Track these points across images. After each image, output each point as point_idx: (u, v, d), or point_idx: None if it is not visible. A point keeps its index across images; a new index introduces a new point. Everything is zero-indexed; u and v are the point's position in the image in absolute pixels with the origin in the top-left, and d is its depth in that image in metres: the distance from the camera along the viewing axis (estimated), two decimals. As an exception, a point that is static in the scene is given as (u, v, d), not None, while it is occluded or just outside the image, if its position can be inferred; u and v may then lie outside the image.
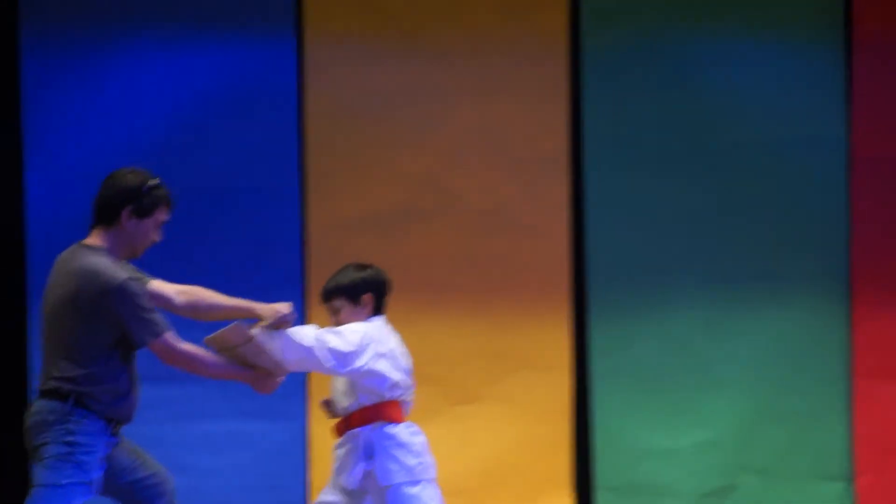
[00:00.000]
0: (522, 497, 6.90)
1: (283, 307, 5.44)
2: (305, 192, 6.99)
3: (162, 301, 5.46)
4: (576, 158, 7.08)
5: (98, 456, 5.32)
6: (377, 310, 5.79)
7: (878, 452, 7.04)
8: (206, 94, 6.99)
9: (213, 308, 5.50)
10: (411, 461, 5.64)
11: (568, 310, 7.01)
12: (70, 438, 5.27)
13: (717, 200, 7.07)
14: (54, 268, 5.41)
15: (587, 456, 6.99)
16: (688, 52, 7.12)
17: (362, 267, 5.81)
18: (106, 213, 5.40)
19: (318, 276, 6.14)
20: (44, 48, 6.89)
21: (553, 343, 6.98)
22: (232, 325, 5.40)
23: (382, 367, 5.62)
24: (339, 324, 5.74)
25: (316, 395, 6.67)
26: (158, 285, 5.48)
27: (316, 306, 6.65)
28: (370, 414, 5.64)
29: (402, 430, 5.67)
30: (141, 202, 5.39)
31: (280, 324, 5.41)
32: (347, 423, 5.70)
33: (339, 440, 5.73)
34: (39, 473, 5.29)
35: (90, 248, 5.40)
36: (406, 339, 5.85)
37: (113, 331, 5.34)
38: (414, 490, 5.63)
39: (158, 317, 5.30)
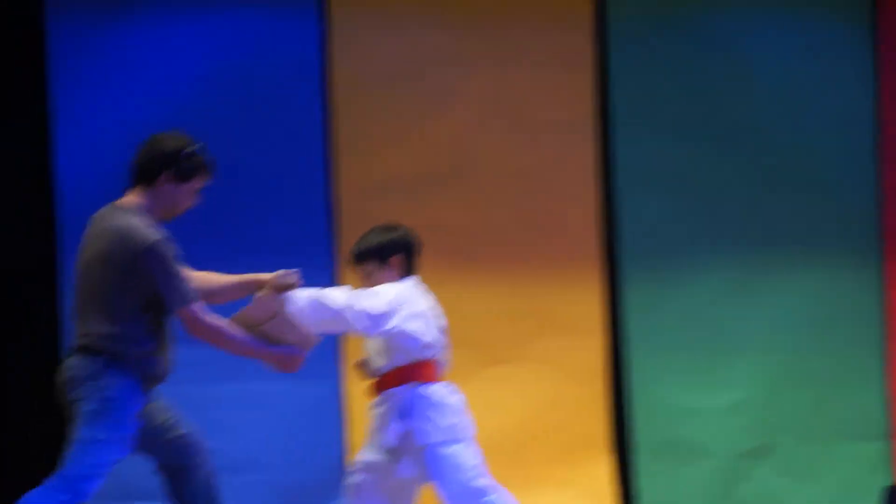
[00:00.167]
0: (560, 458, 6.91)
1: (288, 272, 5.42)
2: (333, 158, 6.98)
3: None
4: (603, 125, 7.05)
5: (131, 412, 5.35)
6: (407, 271, 5.78)
7: (914, 411, 7.04)
8: (232, 60, 7.01)
9: (223, 289, 5.51)
10: (448, 420, 5.63)
11: (599, 272, 7.01)
12: (103, 394, 5.30)
13: (745, 165, 7.07)
14: (89, 227, 5.42)
15: (623, 417, 6.98)
16: (715, 20, 7.10)
17: (390, 228, 5.79)
18: (144, 175, 5.41)
19: (348, 241, 6.15)
20: (71, 14, 6.92)
21: (585, 305, 6.99)
22: (257, 298, 5.40)
23: (415, 327, 5.62)
24: (369, 287, 5.74)
25: (351, 355, 6.67)
26: None
27: (346, 271, 6.65)
28: (405, 374, 5.64)
29: (437, 390, 5.67)
30: (181, 166, 5.39)
31: (284, 287, 5.39)
32: (383, 383, 5.70)
33: (376, 400, 5.74)
34: (75, 430, 5.32)
35: (125, 208, 5.41)
36: (438, 301, 5.84)
37: (145, 291, 5.35)
38: (452, 449, 5.63)
39: (189, 285, 5.30)
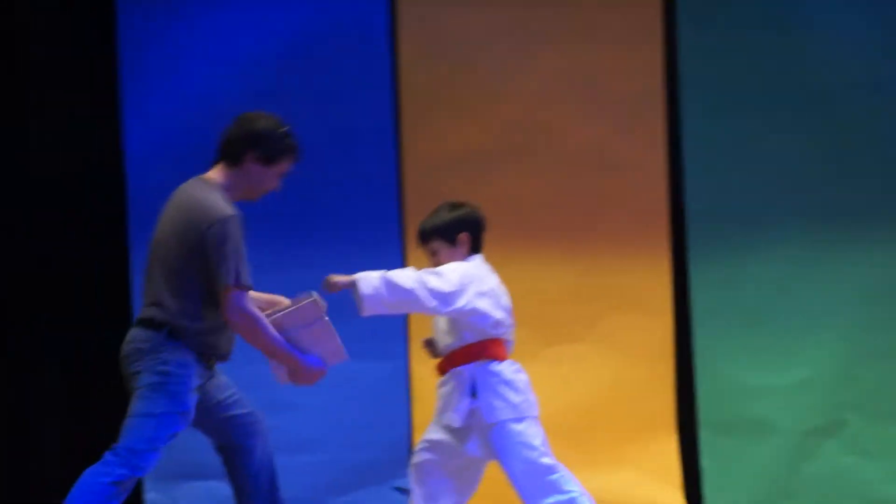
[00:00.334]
0: (625, 437, 6.90)
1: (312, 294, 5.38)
2: (400, 134, 6.98)
3: None
4: (671, 100, 7.02)
5: (190, 387, 5.36)
6: (474, 248, 5.78)
7: None
8: (299, 37, 7.01)
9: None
10: (516, 398, 5.64)
11: (667, 249, 6.97)
12: (163, 368, 5.31)
13: (816, 139, 7.00)
14: (170, 198, 5.45)
15: (686, 395, 6.96)
16: (784, -9, 7.04)
17: (457, 206, 5.79)
18: (230, 153, 5.41)
19: (415, 218, 6.15)
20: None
21: (653, 283, 6.96)
22: (307, 299, 5.38)
23: (484, 305, 5.62)
24: (436, 265, 5.74)
25: (416, 335, 6.68)
26: None
27: (414, 248, 6.65)
28: (473, 352, 5.64)
29: (505, 368, 5.67)
30: (268, 148, 5.39)
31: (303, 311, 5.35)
32: (450, 361, 5.70)
33: (443, 378, 5.74)
34: (134, 404, 5.35)
35: (208, 182, 5.42)
36: (503, 279, 5.84)
37: (209, 266, 5.38)
38: (519, 427, 5.63)
39: (245, 269, 5.30)
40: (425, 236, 5.76)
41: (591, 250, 6.96)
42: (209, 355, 5.43)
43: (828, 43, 7.01)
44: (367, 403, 6.87)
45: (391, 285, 5.47)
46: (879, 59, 7.00)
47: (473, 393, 5.62)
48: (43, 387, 7.06)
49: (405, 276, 5.52)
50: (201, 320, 5.37)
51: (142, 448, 5.30)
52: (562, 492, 5.61)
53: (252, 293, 5.35)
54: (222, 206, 5.36)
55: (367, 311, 5.50)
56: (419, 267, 5.76)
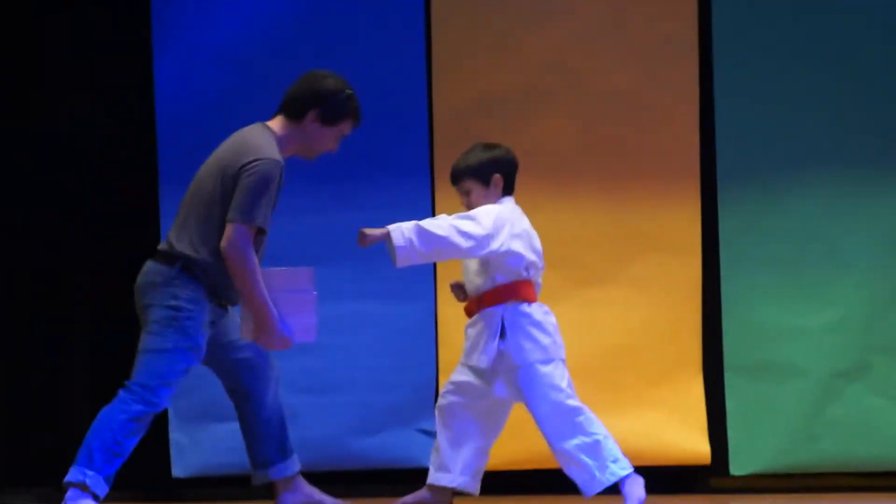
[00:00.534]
0: (652, 379, 6.89)
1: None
2: (431, 77, 6.95)
3: None
4: (705, 45, 6.97)
5: (201, 322, 5.37)
6: (507, 190, 5.76)
7: None
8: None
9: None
10: (545, 340, 5.64)
11: (697, 192, 6.94)
12: (174, 303, 5.33)
13: (846, 85, 6.94)
14: (228, 138, 5.45)
15: (714, 337, 6.95)
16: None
17: (491, 147, 5.78)
18: (292, 108, 5.42)
19: (445, 160, 6.12)
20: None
21: (683, 226, 6.93)
22: (293, 269, 5.42)
23: (518, 246, 5.63)
24: (469, 205, 5.74)
25: (443, 277, 6.67)
26: None
27: (443, 190, 6.64)
28: (504, 292, 5.64)
29: (535, 310, 5.68)
30: (330, 108, 5.41)
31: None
32: (480, 302, 5.70)
33: (472, 320, 5.74)
34: (144, 339, 5.36)
35: (266, 128, 5.42)
36: (533, 222, 5.83)
37: None
38: (546, 369, 5.64)
39: (262, 212, 5.29)
40: (458, 176, 5.75)
41: (621, 194, 6.93)
42: (221, 295, 5.43)
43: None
44: (395, 345, 6.86)
45: (424, 235, 5.46)
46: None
47: (503, 334, 5.62)
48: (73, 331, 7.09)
49: (437, 225, 5.50)
50: (219, 258, 5.36)
51: (155, 384, 5.32)
52: (587, 434, 5.63)
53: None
54: (268, 149, 5.36)
55: (402, 262, 5.49)
56: (448, 211, 5.74)
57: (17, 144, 7.05)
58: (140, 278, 5.47)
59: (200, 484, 6.93)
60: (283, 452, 5.79)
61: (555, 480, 6.30)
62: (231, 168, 5.36)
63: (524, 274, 5.68)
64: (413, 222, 5.48)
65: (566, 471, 5.67)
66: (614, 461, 5.61)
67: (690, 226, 6.93)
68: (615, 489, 5.68)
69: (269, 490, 5.94)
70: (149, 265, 5.48)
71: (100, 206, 7.02)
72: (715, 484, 7.07)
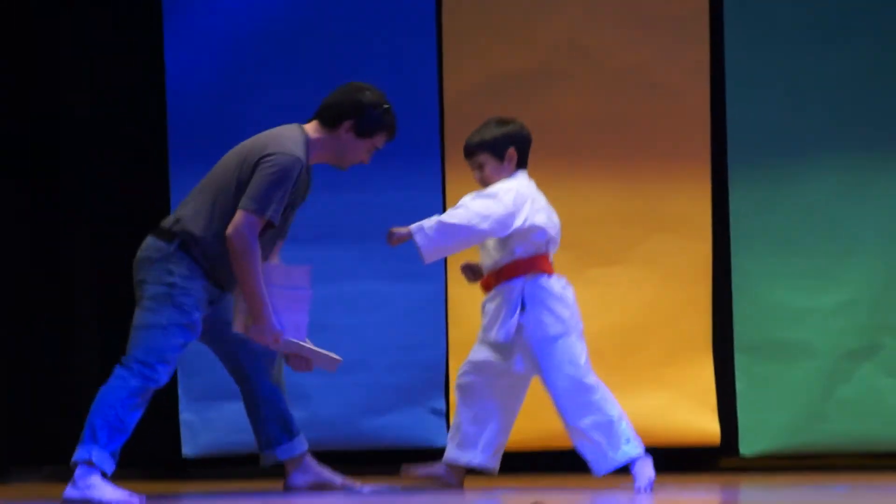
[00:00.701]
0: (662, 359, 6.89)
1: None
2: (442, 56, 6.93)
3: None
4: (716, 25, 6.94)
5: (197, 299, 5.38)
6: (520, 164, 5.76)
7: None
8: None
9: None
10: (565, 313, 5.65)
11: (708, 172, 6.93)
12: (169, 279, 5.34)
13: (857, 65, 6.92)
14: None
15: (724, 318, 6.94)
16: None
17: (505, 121, 5.78)
18: (328, 116, 5.45)
19: (456, 141, 6.11)
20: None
21: (693, 206, 6.92)
22: (291, 266, 5.47)
23: (541, 220, 5.65)
24: (482, 179, 5.74)
25: (453, 257, 6.66)
26: None
27: (453, 170, 6.64)
28: (524, 266, 5.64)
29: (555, 282, 5.67)
30: (365, 121, 5.43)
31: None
32: (498, 276, 5.69)
33: (489, 295, 5.72)
34: (139, 314, 5.38)
35: (300, 129, 5.44)
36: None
37: None
38: (566, 343, 5.64)
39: (275, 208, 5.30)
40: (472, 150, 5.74)
41: (632, 173, 6.92)
42: (217, 277, 5.44)
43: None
44: (405, 325, 6.86)
45: (446, 229, 5.47)
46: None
47: (523, 307, 5.61)
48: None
49: (458, 215, 5.49)
50: (218, 242, 5.37)
51: (152, 360, 5.33)
52: (602, 412, 5.63)
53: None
54: (292, 146, 5.39)
55: (430, 259, 5.55)
56: (459, 192, 5.73)
57: (25, 134, 7.05)
58: (138, 253, 5.50)
59: (210, 463, 6.95)
60: (289, 432, 5.80)
61: (564, 461, 6.32)
62: (252, 157, 5.38)
63: (543, 248, 5.68)
64: (435, 218, 5.50)
65: (578, 448, 5.67)
66: (627, 442, 5.61)
67: (701, 206, 6.92)
68: (624, 470, 5.69)
69: (280, 469, 5.95)
70: (148, 240, 5.50)
71: (108, 198, 7.02)
72: (724, 464, 7.08)
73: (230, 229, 5.31)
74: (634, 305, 6.90)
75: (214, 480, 6.75)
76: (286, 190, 5.33)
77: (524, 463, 6.75)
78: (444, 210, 6.79)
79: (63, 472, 5.43)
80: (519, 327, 5.62)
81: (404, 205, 6.60)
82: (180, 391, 6.85)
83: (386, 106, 5.51)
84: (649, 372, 6.86)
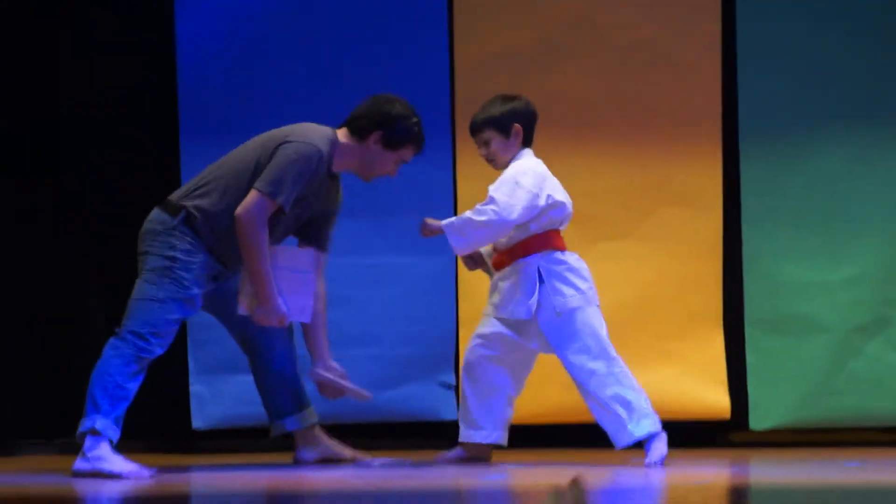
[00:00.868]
0: (672, 333, 6.88)
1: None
2: (453, 31, 6.91)
3: None
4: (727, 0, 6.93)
5: (197, 274, 5.39)
6: (526, 141, 5.75)
7: None
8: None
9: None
10: (583, 286, 5.67)
11: (719, 146, 6.91)
12: (170, 253, 5.36)
13: (869, 41, 6.89)
14: None
15: (735, 292, 6.93)
16: None
17: (510, 98, 5.78)
18: (357, 126, 5.48)
19: (466, 116, 6.08)
20: None
21: (704, 180, 6.90)
22: (300, 249, 5.50)
23: (560, 196, 5.66)
24: (488, 156, 5.74)
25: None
26: None
27: (464, 145, 6.61)
28: (538, 242, 5.65)
29: (570, 256, 5.69)
30: (393, 133, 5.46)
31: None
32: (513, 253, 5.69)
33: (503, 272, 5.72)
34: (138, 286, 5.39)
35: (332, 131, 5.47)
36: (554, 173, 5.81)
37: None
38: (586, 315, 5.65)
39: (288, 195, 5.31)
40: (478, 127, 5.74)
41: (643, 148, 6.90)
42: (220, 255, 5.45)
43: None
44: (415, 298, 6.86)
45: (476, 226, 5.51)
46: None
47: (541, 282, 5.62)
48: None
49: (483, 212, 5.51)
50: (227, 218, 5.38)
51: (145, 331, 5.35)
52: (622, 385, 5.64)
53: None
54: (317, 139, 5.43)
55: (462, 252, 5.64)
56: (469, 166, 5.74)
57: (25, 134, 7.05)
58: (144, 225, 5.52)
59: (220, 435, 6.95)
60: (299, 403, 5.81)
61: (575, 435, 6.33)
62: (273, 142, 5.42)
63: (558, 224, 5.70)
64: (468, 215, 5.52)
65: (598, 420, 5.67)
66: (646, 416, 5.62)
67: (712, 179, 6.91)
68: (635, 445, 5.69)
69: (289, 442, 5.96)
70: (153, 213, 5.52)
71: (108, 198, 7.02)
72: (735, 438, 7.08)
73: (240, 208, 5.32)
74: (645, 280, 6.89)
75: (224, 453, 6.76)
76: (302, 177, 5.35)
77: (536, 437, 6.75)
78: (454, 185, 6.81)
79: (75, 445, 5.44)
80: (537, 302, 5.63)
81: (415, 179, 6.57)
82: (190, 364, 6.85)
83: (415, 119, 5.54)
84: (660, 346, 6.85)
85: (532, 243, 5.64)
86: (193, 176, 5.63)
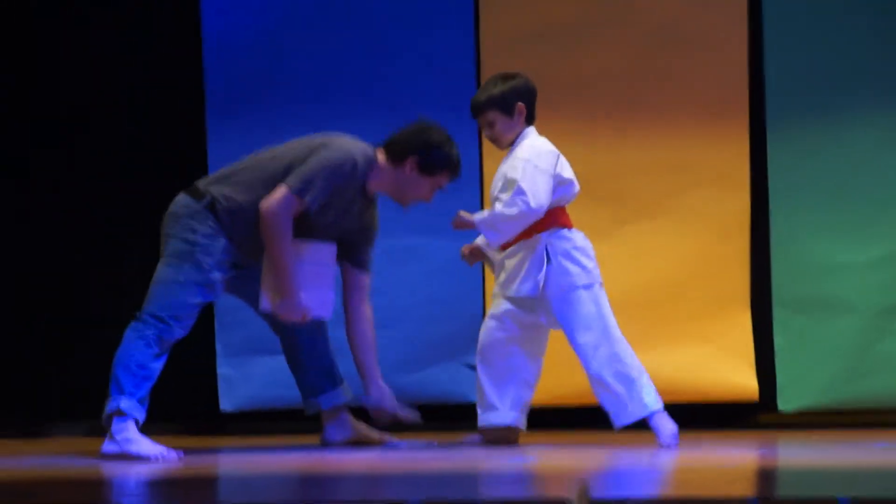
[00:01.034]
0: (700, 313, 6.86)
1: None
2: (479, 8, 6.89)
3: None
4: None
5: (218, 259, 5.41)
6: (529, 118, 5.75)
7: None
8: None
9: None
10: (589, 264, 5.66)
11: (746, 125, 6.88)
12: (191, 237, 5.38)
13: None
14: None
15: (762, 272, 6.91)
16: None
17: (510, 76, 5.79)
18: (395, 150, 5.54)
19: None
20: None
21: (731, 159, 6.88)
22: (327, 244, 5.50)
23: (569, 174, 5.66)
24: (492, 136, 5.75)
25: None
26: None
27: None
28: (546, 220, 5.65)
29: (576, 234, 5.69)
30: (430, 159, 5.50)
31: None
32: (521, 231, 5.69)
33: (510, 250, 5.73)
34: (159, 269, 5.42)
35: (372, 148, 5.49)
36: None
37: None
38: (591, 293, 5.64)
39: (315, 195, 5.33)
40: (481, 108, 5.74)
41: (670, 127, 6.88)
42: (240, 244, 5.46)
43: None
44: (441, 279, 6.86)
45: (505, 221, 5.55)
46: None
47: (548, 259, 5.62)
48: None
49: (513, 203, 5.53)
50: (249, 212, 5.41)
51: (165, 315, 5.38)
52: (623, 364, 5.64)
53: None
54: (355, 150, 5.51)
55: (495, 245, 5.66)
56: (494, 150, 5.73)
57: (25, 134, 7.06)
58: (169, 208, 5.55)
59: (248, 417, 6.97)
60: (332, 380, 5.84)
61: (581, 418, 6.32)
62: (311, 145, 5.46)
63: (563, 202, 5.70)
64: (497, 209, 5.56)
65: (599, 398, 5.66)
66: (647, 395, 5.61)
67: (739, 159, 6.88)
68: (643, 426, 5.67)
69: (317, 424, 5.96)
70: (179, 197, 5.57)
71: (109, 197, 7.04)
72: (763, 420, 7.06)
73: (265, 202, 5.35)
74: (673, 260, 6.87)
75: (252, 435, 6.77)
76: (332, 182, 5.40)
77: (545, 420, 6.74)
78: (480, 163, 6.80)
79: (101, 427, 5.46)
80: (545, 279, 5.63)
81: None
82: (218, 346, 6.87)
83: (452, 146, 5.58)
84: (687, 327, 6.84)
85: (539, 221, 5.64)
86: (203, 175, 5.67)
